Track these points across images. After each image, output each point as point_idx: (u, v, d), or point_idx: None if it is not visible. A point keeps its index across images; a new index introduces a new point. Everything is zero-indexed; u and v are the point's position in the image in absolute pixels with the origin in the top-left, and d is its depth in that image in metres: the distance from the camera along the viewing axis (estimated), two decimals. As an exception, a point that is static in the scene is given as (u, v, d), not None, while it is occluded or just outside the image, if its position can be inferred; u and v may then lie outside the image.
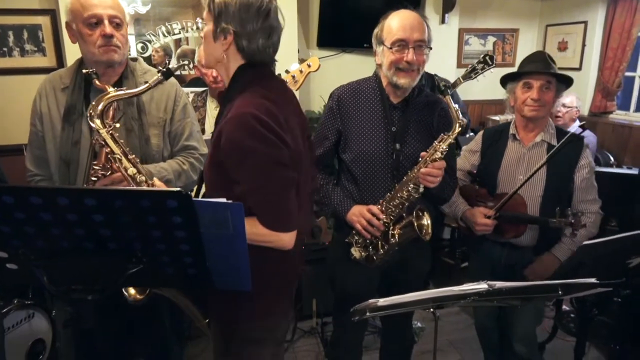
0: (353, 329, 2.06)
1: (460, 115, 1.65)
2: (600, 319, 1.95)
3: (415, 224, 1.70)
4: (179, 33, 3.30)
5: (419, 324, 2.97)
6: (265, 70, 1.36)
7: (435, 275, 3.58)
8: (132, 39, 3.13)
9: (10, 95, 3.09)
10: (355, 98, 1.86)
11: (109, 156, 1.47)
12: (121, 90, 1.46)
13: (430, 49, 1.78)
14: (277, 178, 1.23)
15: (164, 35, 3.26)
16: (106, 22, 1.62)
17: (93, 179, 1.53)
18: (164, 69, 1.44)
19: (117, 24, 1.65)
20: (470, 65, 1.79)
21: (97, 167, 1.54)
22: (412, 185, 1.72)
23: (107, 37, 1.62)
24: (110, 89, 1.45)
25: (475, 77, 1.76)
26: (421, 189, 1.72)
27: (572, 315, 2.80)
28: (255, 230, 1.21)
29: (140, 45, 3.22)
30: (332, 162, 2.00)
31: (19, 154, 2.88)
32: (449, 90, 1.67)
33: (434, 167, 1.66)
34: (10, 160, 3.00)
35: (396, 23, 1.73)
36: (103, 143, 1.45)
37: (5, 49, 3.07)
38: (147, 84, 1.46)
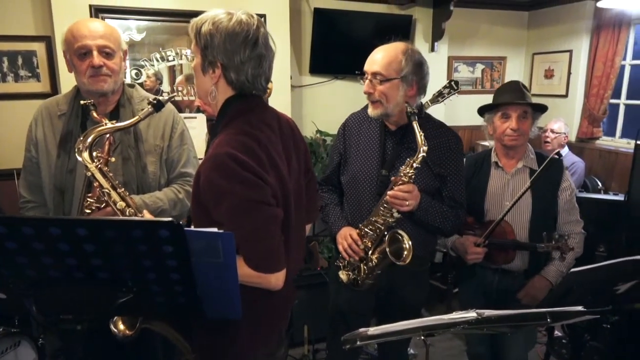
0: (346, 355, 2.05)
1: (425, 142, 1.67)
2: (593, 344, 1.95)
3: (388, 250, 1.71)
4: (173, 60, 3.33)
5: (411, 351, 2.94)
6: (254, 102, 1.30)
7: (427, 299, 3.56)
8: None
9: (3, 120, 3.10)
10: (359, 124, 1.96)
11: (98, 190, 1.47)
12: (110, 124, 1.45)
13: (402, 80, 1.74)
14: (258, 218, 1.18)
15: (157, 61, 3.30)
16: (95, 52, 1.62)
17: (87, 211, 1.52)
18: (155, 101, 1.43)
19: (108, 53, 1.65)
20: (437, 91, 1.89)
21: (91, 200, 1.52)
22: (383, 209, 1.75)
23: (96, 67, 1.62)
24: (107, 122, 1.44)
25: (442, 101, 1.87)
26: (395, 214, 1.74)
27: (564, 341, 2.78)
28: (241, 271, 1.15)
29: (134, 71, 3.25)
30: (337, 182, 2.06)
31: (11, 178, 2.87)
32: (415, 117, 1.70)
33: (400, 190, 1.70)
34: (2, 184, 2.99)
35: (369, 56, 1.82)
36: (92, 177, 1.44)
37: (-1, 74, 3.09)
38: (137, 117, 1.45)
